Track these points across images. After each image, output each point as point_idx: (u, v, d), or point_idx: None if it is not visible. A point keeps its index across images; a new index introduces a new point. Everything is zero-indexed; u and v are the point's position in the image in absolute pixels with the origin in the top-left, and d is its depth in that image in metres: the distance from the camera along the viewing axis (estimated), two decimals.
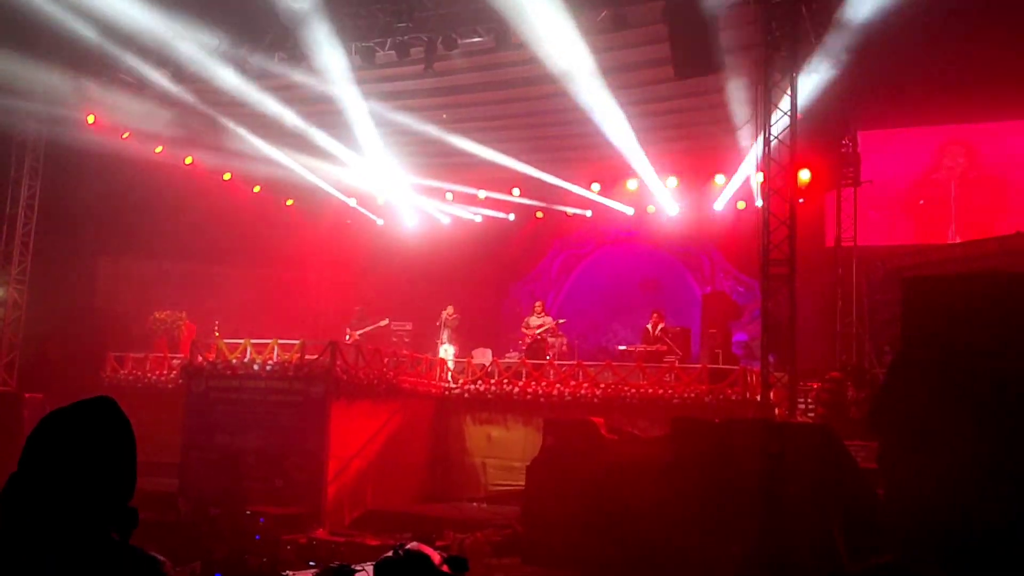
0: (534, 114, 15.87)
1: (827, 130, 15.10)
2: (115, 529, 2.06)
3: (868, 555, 8.60)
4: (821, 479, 9.03)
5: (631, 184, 17.97)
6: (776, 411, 12.25)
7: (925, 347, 8.98)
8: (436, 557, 4.33)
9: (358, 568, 4.45)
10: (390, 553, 4.29)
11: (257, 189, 19.48)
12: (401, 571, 4.25)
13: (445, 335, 16.22)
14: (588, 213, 19.00)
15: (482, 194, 19.17)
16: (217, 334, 14.58)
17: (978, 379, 8.20)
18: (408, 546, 4.26)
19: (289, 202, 20.01)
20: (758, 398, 12.30)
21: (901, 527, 8.49)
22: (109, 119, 15.91)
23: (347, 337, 16.06)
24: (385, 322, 16.99)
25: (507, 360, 15.21)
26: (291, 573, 5.57)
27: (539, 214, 19.45)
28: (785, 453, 9.12)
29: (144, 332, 16.12)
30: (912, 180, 17.56)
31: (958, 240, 16.47)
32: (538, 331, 15.96)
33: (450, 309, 16.59)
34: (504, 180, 18.78)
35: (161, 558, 2.07)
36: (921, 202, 17.38)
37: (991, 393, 8.09)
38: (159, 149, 17.27)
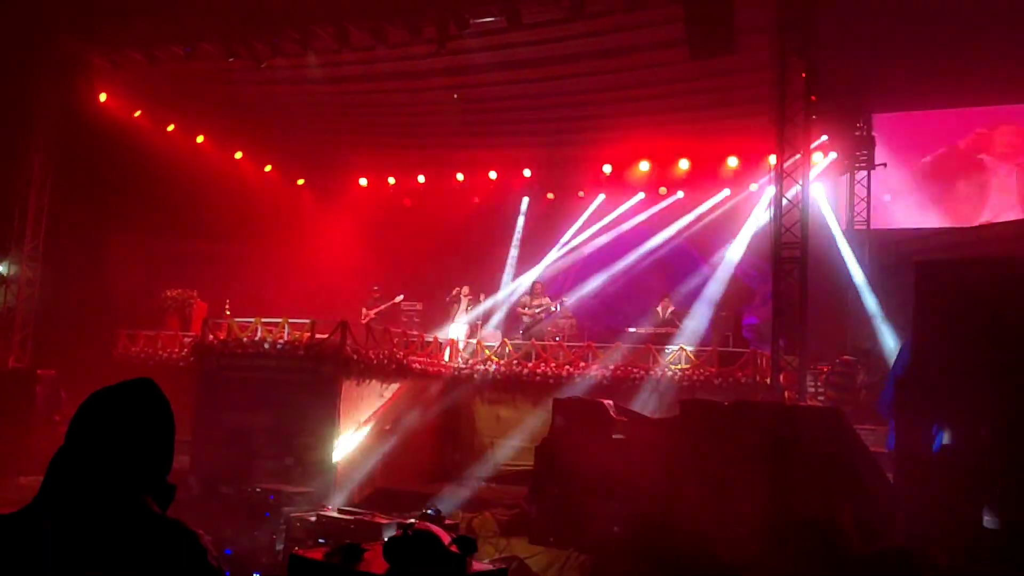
0: (546, 95, 15.79)
1: (842, 112, 15.00)
2: (155, 502, 2.11)
3: (877, 539, 8.59)
4: (830, 463, 9.00)
5: (643, 165, 17.91)
6: (786, 394, 12.25)
7: (937, 332, 8.93)
8: (445, 537, 4.36)
9: (368, 547, 4.49)
10: (399, 532, 4.34)
11: (268, 168, 19.50)
12: (410, 550, 4.30)
13: (460, 315, 16.27)
14: (601, 195, 18.95)
15: (493, 174, 19.12)
16: (228, 312, 14.63)
17: (990, 365, 8.16)
18: (417, 525, 4.31)
19: (300, 181, 20.03)
20: (768, 381, 12.30)
21: (910, 512, 8.48)
22: (121, 97, 15.95)
23: (363, 317, 16.11)
24: (399, 298, 17.04)
25: (517, 340, 15.23)
26: (300, 551, 5.60)
27: (551, 195, 19.41)
28: (794, 436, 9.10)
29: (156, 310, 16.20)
30: (929, 161, 17.35)
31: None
32: (537, 311, 15.99)
33: (465, 289, 16.64)
34: (516, 161, 18.75)
35: (199, 531, 2.15)
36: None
37: (1003, 379, 8.05)
38: (171, 128, 17.31)
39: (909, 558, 8.03)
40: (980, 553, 7.49)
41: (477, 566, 4.47)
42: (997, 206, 16.59)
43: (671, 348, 13.75)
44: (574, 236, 19.54)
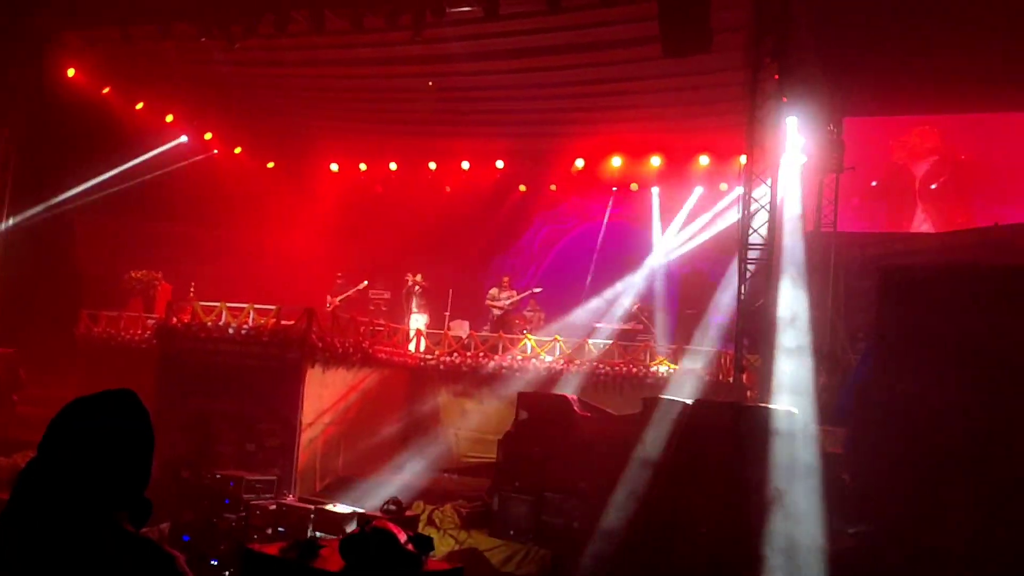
0: (520, 86, 15.75)
1: (813, 115, 15.09)
2: (129, 519, 2.06)
3: (831, 540, 8.71)
4: (790, 462, 9.10)
5: (615, 161, 17.94)
6: (748, 393, 12.37)
7: (899, 336, 9.06)
8: (401, 535, 4.35)
9: (324, 543, 4.47)
10: (356, 529, 4.32)
11: (238, 150, 19.29)
12: (366, 547, 4.29)
13: (414, 304, 16.21)
14: (573, 190, 18.96)
15: (466, 165, 19.06)
16: (193, 295, 14.49)
17: (951, 371, 8.29)
18: (374, 523, 4.29)
19: (270, 164, 19.83)
20: (731, 380, 12.41)
21: (866, 513, 8.62)
22: (90, 73, 15.68)
23: (328, 304, 16.02)
24: (364, 284, 16.94)
25: (484, 333, 15.23)
26: (256, 545, 5.56)
27: (522, 187, 19.39)
28: (754, 436, 9.18)
29: (119, 291, 16.00)
30: (883, 166, 17.63)
31: (925, 228, 16.65)
32: (506, 303, 16.00)
33: (419, 276, 16.54)
34: (489, 152, 18.70)
35: (176, 553, 2.06)
36: (873, 184, 17.44)
37: (962, 387, 8.18)
38: (139, 106, 17.05)
39: (863, 558, 8.18)
40: (933, 554, 7.62)
41: (433, 565, 4.46)
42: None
43: (636, 344, 13.84)
44: (544, 228, 19.53)
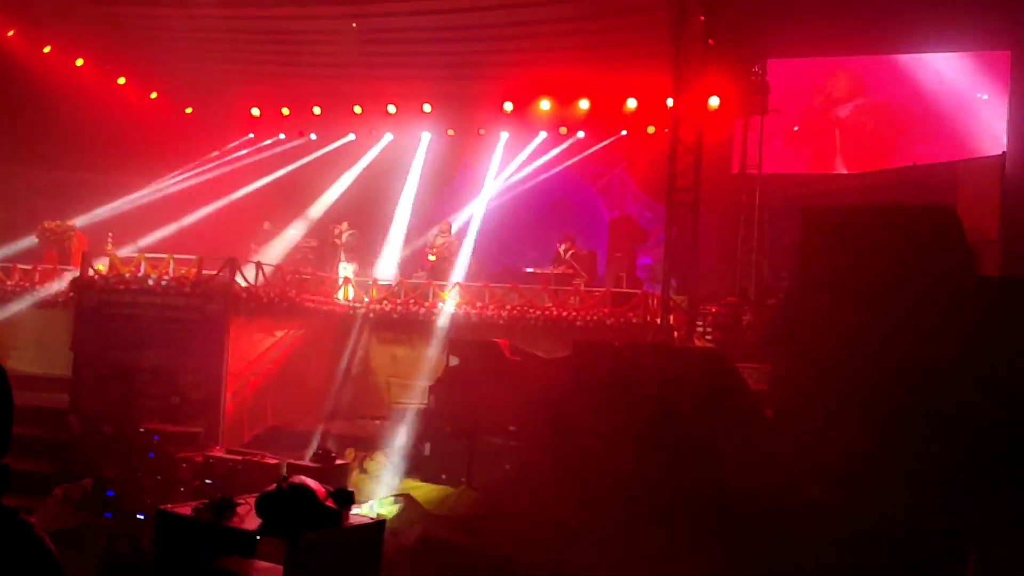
0: (447, 27, 15.44)
1: (738, 57, 15.17)
2: None
3: (755, 474, 8.96)
4: (712, 401, 9.31)
5: (544, 104, 17.80)
6: (675, 334, 12.58)
7: (820, 276, 9.26)
8: (321, 491, 4.31)
9: (240, 500, 4.42)
10: (273, 487, 4.26)
11: (154, 95, 18.57)
12: (283, 505, 4.23)
13: (342, 253, 15.99)
14: (502, 133, 18.78)
15: (392, 108, 18.70)
16: (110, 247, 14.02)
17: (869, 310, 8.52)
18: (292, 479, 4.24)
19: (188, 110, 19.16)
20: (658, 321, 12.58)
21: (786, 448, 8.87)
22: None
23: (252, 255, 15.68)
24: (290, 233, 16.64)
25: (414, 280, 15.12)
26: (168, 506, 5.43)
27: (450, 132, 19.14)
28: (679, 376, 9.35)
29: (33, 243, 15.41)
30: (805, 109, 17.90)
31: (844, 170, 17.02)
32: (441, 250, 15.88)
33: (344, 225, 16.29)
34: (415, 95, 18.35)
35: (32, 519, 1.91)
36: (795, 128, 17.75)
37: (880, 324, 8.43)
38: (47, 49, 16.26)
39: (781, 493, 8.44)
40: (848, 490, 7.90)
41: (354, 519, 4.44)
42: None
43: (566, 288, 13.90)
44: (474, 173, 19.35)
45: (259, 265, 12.97)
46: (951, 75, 16.61)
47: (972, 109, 16.37)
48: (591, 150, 18.31)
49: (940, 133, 16.61)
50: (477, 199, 18.55)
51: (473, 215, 18.31)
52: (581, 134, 18.23)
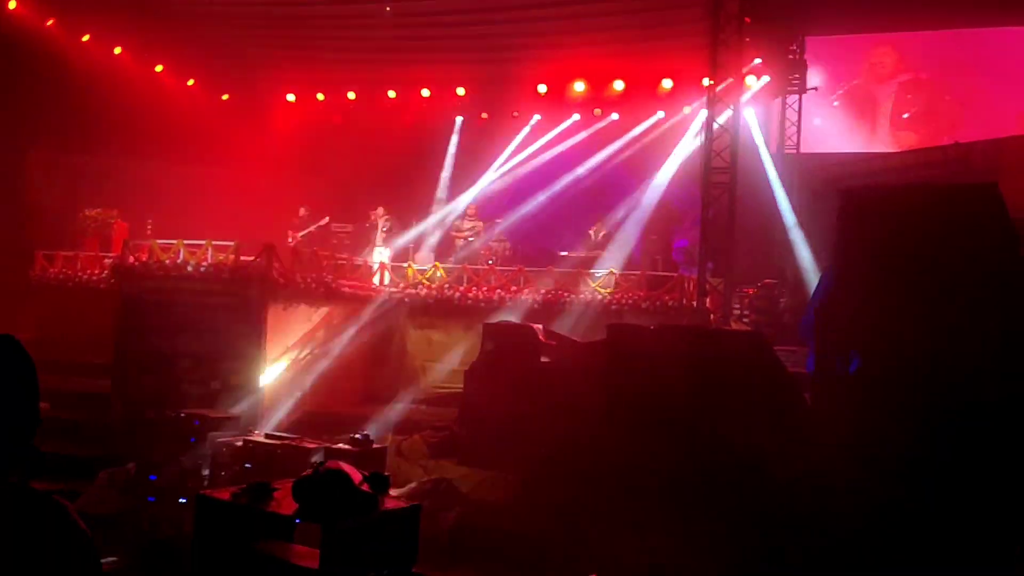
0: (481, 10, 15.37)
1: (775, 35, 14.93)
2: (13, 472, 1.96)
3: (795, 461, 8.87)
4: (750, 385, 9.21)
5: (578, 86, 17.68)
6: (711, 317, 12.47)
7: (860, 257, 9.11)
8: (356, 476, 4.33)
9: (277, 485, 4.46)
10: (309, 471, 4.30)
11: (191, 82, 18.73)
12: (319, 490, 4.27)
13: (379, 238, 16.04)
14: (536, 116, 18.70)
15: (426, 92, 18.69)
16: (150, 233, 14.20)
17: (908, 292, 8.37)
18: (328, 464, 4.26)
19: (224, 96, 19.30)
20: (695, 304, 12.48)
21: (826, 433, 8.77)
22: (31, 5, 15.06)
23: (289, 240, 15.80)
24: (325, 220, 16.73)
25: (449, 264, 15.14)
26: (207, 491, 5.51)
27: (485, 115, 19.09)
28: (716, 359, 9.27)
29: (75, 230, 15.66)
30: (847, 86, 17.56)
31: (892, 148, 16.69)
32: (468, 235, 15.90)
33: (380, 210, 16.33)
34: (450, 79, 18.33)
35: (66, 503, 1.96)
36: (835, 103, 17.42)
37: (921, 306, 8.27)
38: (86, 38, 16.45)
39: (823, 480, 8.34)
40: (889, 476, 7.78)
41: (390, 503, 4.46)
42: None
43: (601, 272, 13.82)
44: (509, 158, 19.31)
45: (296, 251, 13.06)
46: (995, 50, 16.21)
47: (1018, 86, 15.96)
48: (630, 134, 18.13)
49: (986, 110, 16.22)
50: (510, 182, 18.49)
51: (508, 198, 18.26)
52: (616, 116, 18.07)
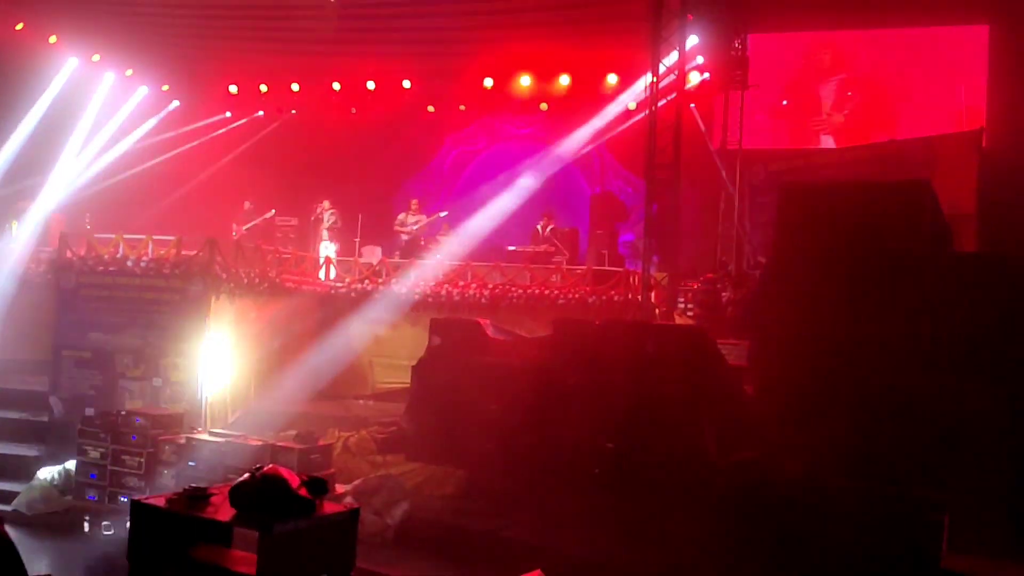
0: (426, 3, 15.32)
1: (718, 32, 15.13)
2: None
3: (734, 450, 9.04)
4: (691, 378, 9.36)
5: (524, 80, 17.72)
6: (657, 311, 12.63)
7: (796, 253, 9.30)
8: (294, 480, 4.33)
9: (214, 491, 4.42)
10: (246, 476, 4.28)
11: (129, 73, 18.35)
12: (256, 494, 4.25)
13: (324, 232, 15.94)
14: (482, 109, 18.71)
15: (371, 85, 18.57)
16: (88, 227, 13.91)
17: (843, 286, 8.57)
18: (264, 469, 4.25)
19: (165, 87, 18.96)
20: (640, 299, 12.63)
21: (766, 424, 8.95)
22: None
23: (233, 233, 15.61)
24: (271, 214, 16.56)
25: (396, 259, 15.09)
26: (141, 497, 5.45)
27: (431, 108, 19.04)
28: (658, 353, 9.40)
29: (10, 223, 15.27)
30: (787, 83, 17.88)
31: (831, 144, 17.04)
32: (414, 227, 15.89)
33: (326, 204, 16.21)
34: (396, 71, 18.24)
35: None
36: (784, 103, 17.75)
37: (854, 300, 8.48)
38: (20, 27, 16.02)
39: (762, 468, 8.52)
40: (828, 467, 7.97)
41: (329, 507, 4.46)
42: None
43: (549, 267, 13.92)
44: (455, 151, 19.28)
45: (238, 245, 12.90)
46: (931, 49, 16.63)
47: (952, 84, 16.39)
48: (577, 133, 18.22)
49: (922, 108, 16.63)
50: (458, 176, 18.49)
51: (455, 192, 18.27)
52: (563, 110, 18.16)
